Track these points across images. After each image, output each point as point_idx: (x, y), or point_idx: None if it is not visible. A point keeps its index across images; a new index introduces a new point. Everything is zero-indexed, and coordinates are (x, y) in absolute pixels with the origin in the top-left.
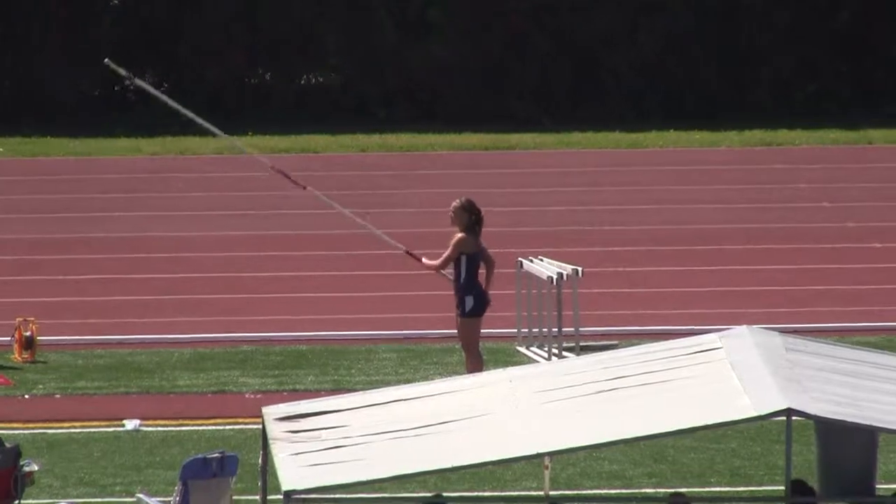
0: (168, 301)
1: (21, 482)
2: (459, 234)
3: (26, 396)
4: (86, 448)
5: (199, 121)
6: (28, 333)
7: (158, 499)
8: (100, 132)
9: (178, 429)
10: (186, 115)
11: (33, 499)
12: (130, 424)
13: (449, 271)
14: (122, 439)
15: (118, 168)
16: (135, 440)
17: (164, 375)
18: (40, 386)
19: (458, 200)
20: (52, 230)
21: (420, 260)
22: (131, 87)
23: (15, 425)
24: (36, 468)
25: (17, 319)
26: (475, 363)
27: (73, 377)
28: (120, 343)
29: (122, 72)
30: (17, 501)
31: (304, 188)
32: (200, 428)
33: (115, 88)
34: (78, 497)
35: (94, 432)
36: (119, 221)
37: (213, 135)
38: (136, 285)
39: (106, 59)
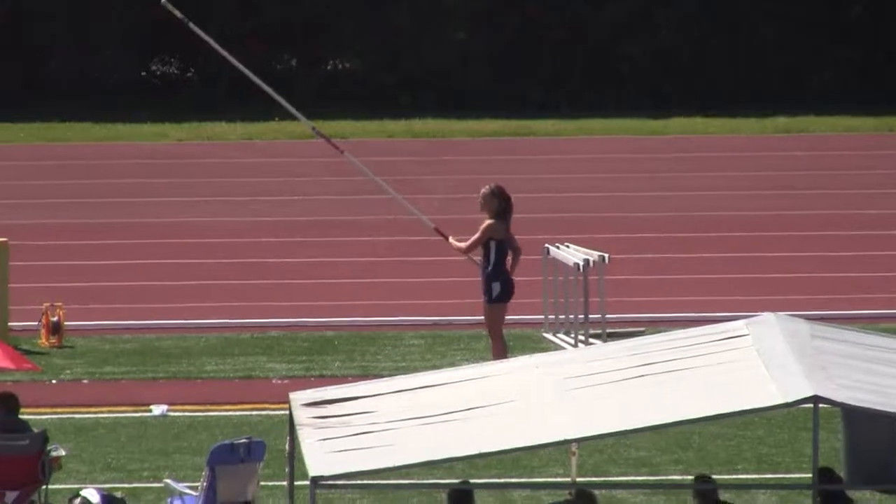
0: (195, 286)
1: (48, 467)
2: (489, 220)
3: (53, 382)
4: (113, 433)
5: (270, 91)
6: (55, 318)
7: (185, 484)
8: (126, 118)
9: (205, 414)
10: (257, 83)
11: (60, 483)
12: (157, 410)
13: (477, 257)
14: (149, 424)
15: (145, 153)
16: (162, 425)
17: (192, 361)
18: (67, 371)
19: (487, 186)
20: (78, 215)
21: (447, 238)
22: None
23: (42, 410)
24: (63, 453)
25: (45, 305)
26: (500, 349)
27: (100, 362)
28: (147, 328)
29: (179, 14)
30: (44, 486)
31: (342, 153)
32: (227, 413)
33: (142, 74)
34: (105, 482)
35: (122, 417)
36: (146, 207)
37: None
38: (164, 270)
39: (163, 1)
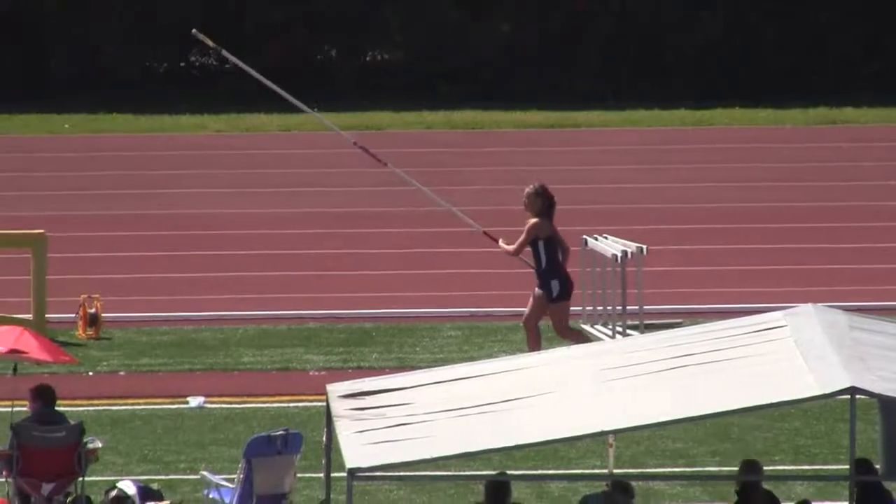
0: (233, 278)
1: (85, 459)
2: (533, 220)
3: (90, 373)
4: (149, 425)
5: (286, 95)
6: (92, 310)
7: (222, 476)
8: (165, 109)
9: (241, 406)
10: (274, 89)
11: (97, 475)
12: (194, 401)
13: (526, 256)
14: (185, 416)
15: (184, 145)
16: (199, 417)
17: (229, 352)
18: (104, 363)
19: (531, 186)
20: (117, 207)
21: (497, 241)
22: (214, 60)
23: (79, 402)
24: (100, 445)
25: (82, 296)
26: (575, 338)
27: (137, 354)
28: (184, 320)
29: (210, 42)
30: (80, 478)
31: (385, 165)
32: (264, 405)
33: (181, 65)
34: (141, 474)
35: (158, 409)
36: (185, 198)
37: (301, 110)
38: (202, 262)
39: (193, 31)
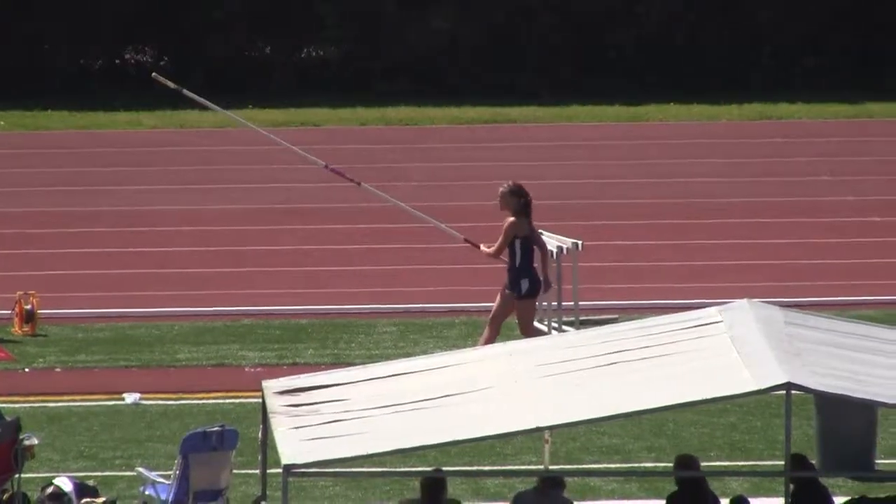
0: (168, 274)
1: (21, 455)
2: (510, 219)
3: (26, 370)
4: (86, 422)
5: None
6: (28, 307)
7: (158, 473)
8: (100, 106)
9: (177, 402)
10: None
11: (33, 472)
12: (130, 398)
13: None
14: (122, 413)
15: (119, 142)
16: (135, 414)
17: (164, 349)
18: (40, 359)
19: (504, 185)
20: (52, 204)
21: (479, 247)
22: (149, 58)
23: (15, 399)
24: (36, 442)
25: (18, 293)
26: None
27: (74, 350)
28: (120, 317)
29: (171, 84)
30: (17, 475)
31: (359, 184)
32: (200, 402)
33: (116, 62)
34: (78, 470)
35: (94, 406)
36: (120, 195)
37: (248, 127)
38: (137, 259)
39: (154, 73)
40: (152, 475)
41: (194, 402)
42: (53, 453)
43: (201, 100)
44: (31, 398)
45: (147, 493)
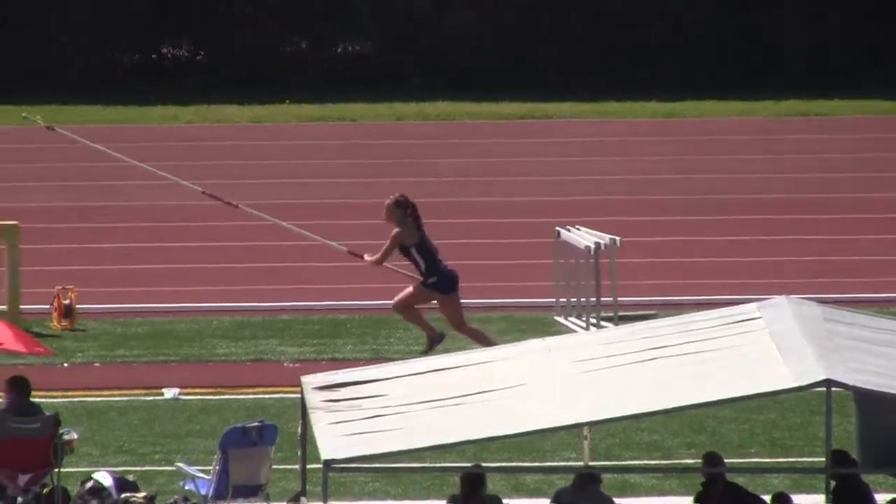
0: (208, 269)
1: (60, 450)
2: (396, 230)
3: (65, 365)
4: (125, 416)
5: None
6: (67, 302)
7: (197, 467)
8: (134, 101)
9: (217, 397)
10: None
11: (73, 467)
12: (169, 393)
13: (403, 264)
14: (161, 408)
15: (156, 136)
16: (174, 409)
17: (203, 344)
18: (79, 354)
19: (390, 197)
20: (90, 198)
21: (363, 258)
22: (185, 52)
23: (54, 394)
24: (75, 436)
25: (57, 288)
26: (475, 334)
27: (113, 345)
28: (159, 311)
29: (40, 121)
30: (56, 469)
31: (237, 207)
32: (239, 397)
33: (153, 56)
34: (117, 465)
35: (134, 400)
36: (158, 190)
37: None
38: (176, 254)
39: (24, 114)
40: (192, 470)
41: (233, 398)
42: (93, 448)
43: (76, 137)
44: (70, 393)
45: (186, 487)
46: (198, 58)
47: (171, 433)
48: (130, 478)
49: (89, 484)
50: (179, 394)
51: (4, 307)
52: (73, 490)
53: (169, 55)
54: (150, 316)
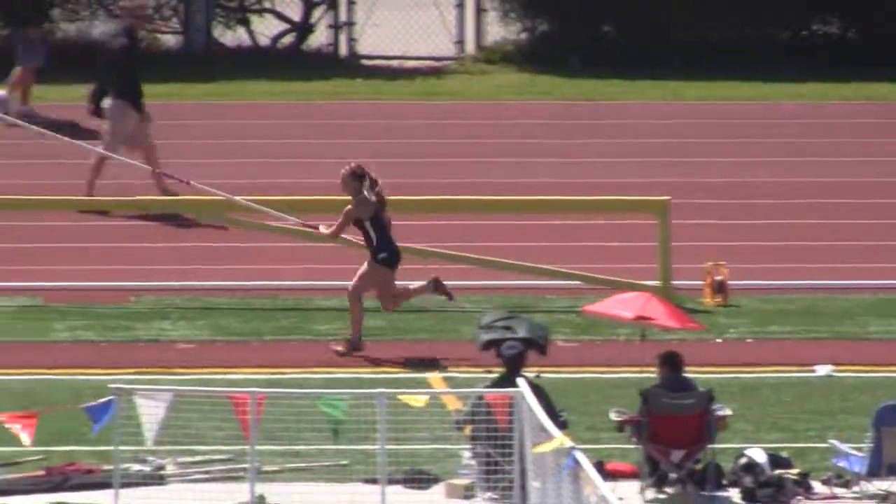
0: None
1: (712, 426)
2: (350, 205)
3: (718, 340)
4: (778, 393)
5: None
6: (719, 278)
7: (850, 445)
8: (773, 78)
9: (870, 375)
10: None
11: (726, 443)
12: (822, 370)
13: (357, 237)
14: (813, 385)
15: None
16: (827, 386)
17: (855, 321)
18: (732, 330)
19: (346, 167)
20: (733, 175)
21: (317, 228)
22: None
23: (708, 369)
24: (728, 413)
25: (708, 263)
26: (356, 311)
27: (764, 321)
28: (812, 288)
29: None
30: (709, 445)
31: (188, 183)
32: (893, 374)
33: (803, 33)
34: (771, 442)
35: (786, 377)
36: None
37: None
38: (813, 230)
39: None
40: (844, 447)
41: (887, 375)
42: (746, 424)
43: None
44: (724, 369)
45: (839, 464)
46: (848, 35)
47: (825, 410)
48: (784, 455)
49: (743, 460)
50: (832, 371)
51: (657, 283)
52: (727, 466)
53: (821, 32)
54: (803, 293)
